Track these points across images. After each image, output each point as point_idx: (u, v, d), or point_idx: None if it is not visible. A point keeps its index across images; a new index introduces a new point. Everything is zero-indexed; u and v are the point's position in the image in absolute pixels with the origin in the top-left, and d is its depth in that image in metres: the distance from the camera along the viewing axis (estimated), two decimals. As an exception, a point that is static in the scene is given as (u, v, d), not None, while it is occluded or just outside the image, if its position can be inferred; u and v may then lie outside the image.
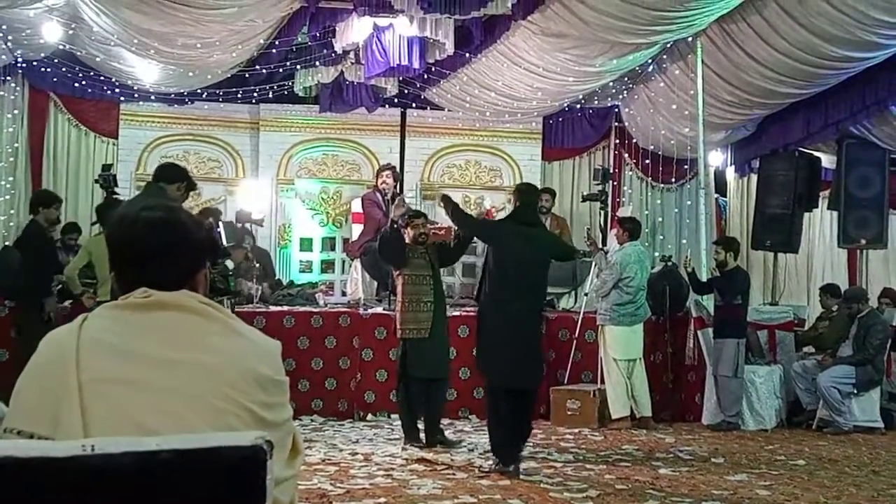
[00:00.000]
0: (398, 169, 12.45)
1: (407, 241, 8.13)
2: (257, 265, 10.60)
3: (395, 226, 8.18)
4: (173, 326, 2.00)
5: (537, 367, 7.44)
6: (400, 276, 8.22)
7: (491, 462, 7.20)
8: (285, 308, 10.18)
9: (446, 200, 7.82)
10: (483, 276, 7.56)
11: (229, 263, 9.44)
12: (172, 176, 7.10)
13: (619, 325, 9.53)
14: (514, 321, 7.17)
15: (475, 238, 8.49)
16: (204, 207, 10.59)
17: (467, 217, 7.98)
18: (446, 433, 8.65)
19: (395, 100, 13.09)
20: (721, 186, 13.89)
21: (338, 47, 11.35)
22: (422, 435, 8.16)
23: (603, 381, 9.65)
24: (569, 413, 9.58)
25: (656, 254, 12.57)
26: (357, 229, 11.61)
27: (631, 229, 9.86)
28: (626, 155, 13.92)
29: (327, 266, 12.82)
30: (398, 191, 11.29)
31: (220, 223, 9.10)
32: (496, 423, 7.25)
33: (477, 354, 7.72)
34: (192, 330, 2.01)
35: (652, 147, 13.28)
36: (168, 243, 2.10)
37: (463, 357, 9.79)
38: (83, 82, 12.22)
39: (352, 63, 12.00)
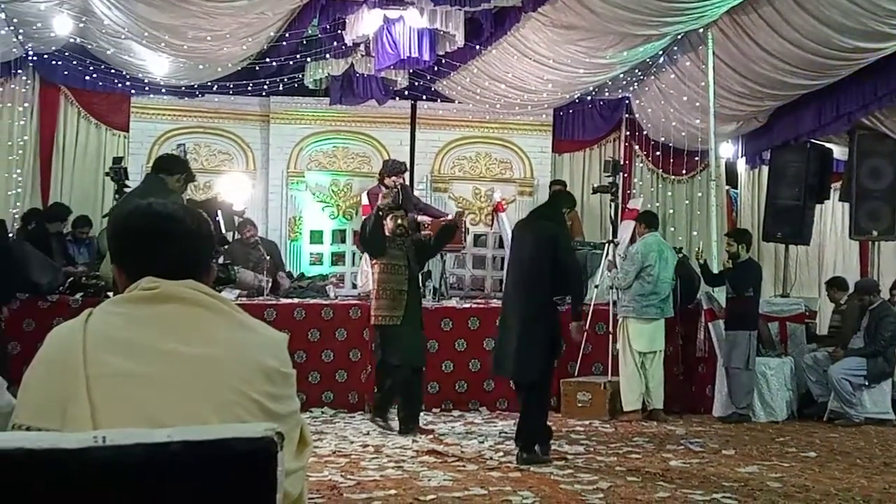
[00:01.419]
0: (409, 161, 12.47)
1: (386, 232, 8.29)
2: (268, 257, 10.61)
3: (380, 214, 8.32)
4: (180, 320, 2.00)
5: (523, 362, 7.22)
6: (376, 265, 8.42)
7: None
8: (296, 300, 10.20)
9: None
10: None
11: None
12: (172, 167, 7.14)
13: (642, 318, 9.55)
14: (510, 313, 7.41)
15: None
16: (204, 200, 10.49)
17: None
18: (456, 425, 8.76)
19: (406, 92, 13.09)
20: (732, 178, 13.84)
21: (348, 39, 11.33)
22: (393, 423, 8.34)
23: (614, 373, 9.66)
24: (579, 405, 9.58)
25: (667, 245, 12.54)
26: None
27: (648, 221, 9.97)
28: (637, 147, 13.88)
29: (338, 258, 12.83)
30: (405, 182, 11.34)
31: (220, 213, 9.16)
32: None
33: None
34: (199, 323, 2.01)
35: (663, 139, 13.25)
36: (180, 233, 2.11)
37: (473, 349, 9.82)
38: (94, 75, 12.24)
39: (362, 55, 12.00)
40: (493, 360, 7.70)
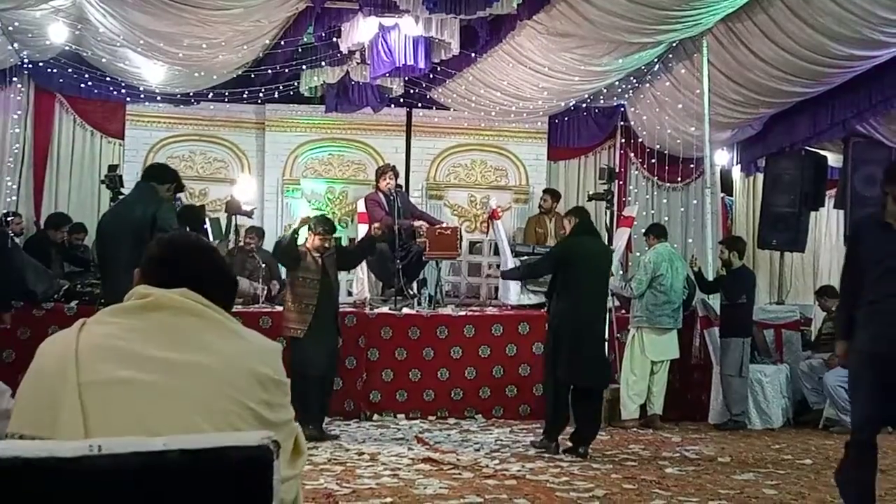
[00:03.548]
0: (404, 169, 12.47)
1: (308, 245, 8.40)
2: (263, 265, 10.61)
3: (295, 235, 8.47)
4: (172, 328, 2.00)
5: (606, 368, 8.48)
6: (291, 277, 8.51)
7: (534, 438, 8.19)
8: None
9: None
10: (555, 286, 8.10)
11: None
12: (163, 176, 7.17)
13: (656, 327, 9.64)
14: (589, 325, 8.04)
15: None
16: (186, 206, 10.34)
17: (530, 267, 8.92)
18: (451, 433, 8.78)
19: (401, 100, 13.09)
20: (727, 185, 13.87)
21: (343, 47, 11.35)
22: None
23: (610, 381, 9.67)
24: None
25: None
26: (363, 229, 11.60)
27: (658, 232, 10.16)
28: (632, 154, 13.91)
29: (333, 266, 12.79)
30: (402, 189, 11.35)
31: (207, 220, 9.17)
32: (556, 407, 7.93)
33: (553, 357, 7.91)
34: (191, 331, 2.01)
35: (658, 146, 13.27)
36: (223, 279, 2.22)
37: (468, 357, 9.80)
38: (89, 83, 12.24)
39: (357, 63, 12.00)
40: (571, 369, 7.80)
